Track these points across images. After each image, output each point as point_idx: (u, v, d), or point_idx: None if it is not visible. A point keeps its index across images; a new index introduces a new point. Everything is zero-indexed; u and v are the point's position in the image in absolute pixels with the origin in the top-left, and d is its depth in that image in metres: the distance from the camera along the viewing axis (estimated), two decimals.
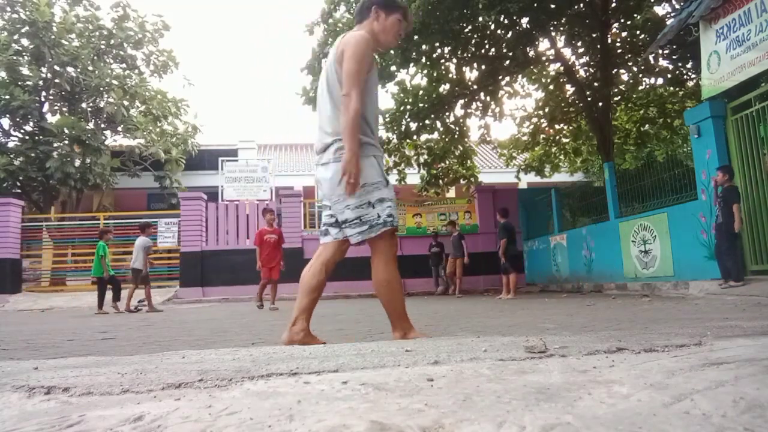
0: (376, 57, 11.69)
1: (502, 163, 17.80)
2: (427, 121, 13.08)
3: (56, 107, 16.33)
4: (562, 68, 12.85)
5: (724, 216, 6.40)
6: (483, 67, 12.02)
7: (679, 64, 11.73)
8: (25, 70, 15.12)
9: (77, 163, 15.19)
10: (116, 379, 1.42)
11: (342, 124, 2.39)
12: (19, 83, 14.87)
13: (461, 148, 14.45)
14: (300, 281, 2.55)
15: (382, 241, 2.47)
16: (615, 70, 12.37)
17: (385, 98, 13.61)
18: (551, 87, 14.00)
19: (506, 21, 10.73)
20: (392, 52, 11.08)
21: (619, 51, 12.41)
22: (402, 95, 12.85)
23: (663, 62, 12.27)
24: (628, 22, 11.81)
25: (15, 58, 14.77)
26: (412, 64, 11.75)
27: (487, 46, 12.01)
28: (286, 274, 13.59)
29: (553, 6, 10.52)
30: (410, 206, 14.53)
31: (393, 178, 14.82)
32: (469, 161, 15.00)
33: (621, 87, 13.38)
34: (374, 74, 2.59)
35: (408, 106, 12.81)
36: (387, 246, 2.48)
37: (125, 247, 13.32)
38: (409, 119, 12.99)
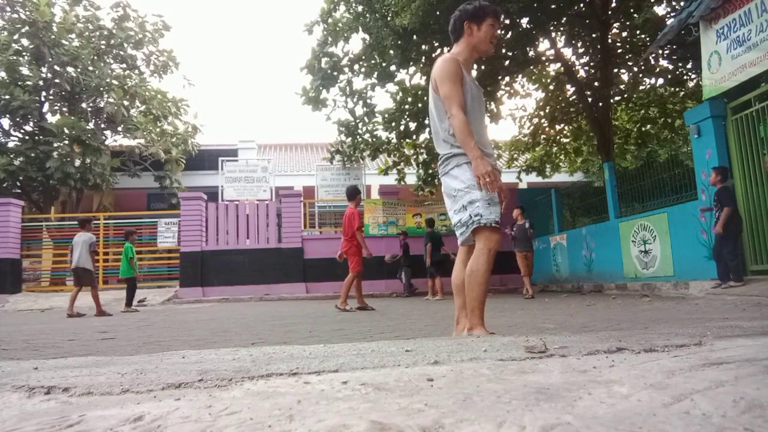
0: (377, 58, 11.53)
1: (502, 163, 17.78)
2: (426, 121, 13.08)
3: (56, 107, 16.30)
4: (562, 68, 12.84)
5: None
6: (482, 67, 12.02)
7: (680, 64, 11.72)
8: (25, 70, 15.09)
9: (77, 163, 15.15)
10: (116, 379, 1.42)
11: (457, 140, 2.56)
12: (19, 83, 14.84)
13: None
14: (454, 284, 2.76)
15: (477, 237, 2.58)
16: (615, 70, 12.36)
17: (385, 98, 13.62)
18: (551, 87, 13.99)
19: (506, 21, 10.73)
20: (392, 51, 11.07)
21: (619, 51, 12.39)
22: (401, 95, 12.84)
23: (663, 62, 12.27)
24: (628, 22, 11.80)
25: (15, 58, 14.74)
26: (411, 64, 11.74)
27: None
28: (289, 274, 13.67)
29: (553, 6, 10.51)
30: (410, 206, 14.50)
31: (392, 178, 14.83)
32: None
33: (621, 87, 13.36)
34: (469, 89, 2.63)
35: (407, 106, 12.80)
36: (480, 241, 2.58)
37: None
38: (408, 119, 12.98)
